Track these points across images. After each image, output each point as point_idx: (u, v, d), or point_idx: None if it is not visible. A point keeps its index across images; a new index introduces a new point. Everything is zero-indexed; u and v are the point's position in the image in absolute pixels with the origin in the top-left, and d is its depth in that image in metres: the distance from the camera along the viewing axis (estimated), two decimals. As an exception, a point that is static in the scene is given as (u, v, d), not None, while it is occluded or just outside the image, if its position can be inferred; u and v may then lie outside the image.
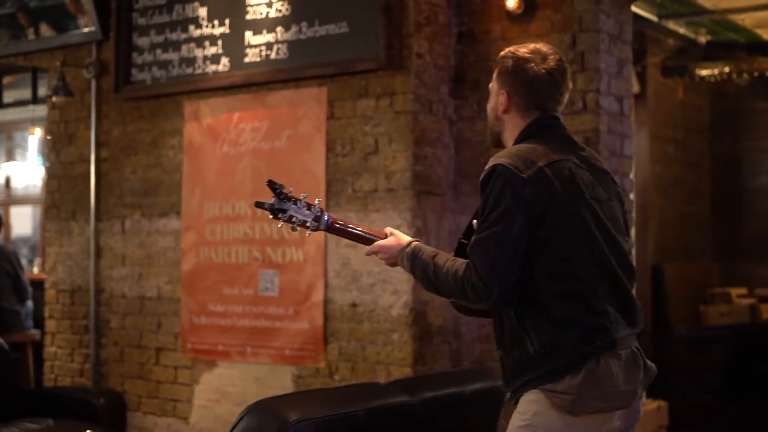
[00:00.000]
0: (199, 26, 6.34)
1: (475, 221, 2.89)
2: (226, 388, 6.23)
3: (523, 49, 2.96)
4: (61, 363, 7.06)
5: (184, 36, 6.41)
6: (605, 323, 2.72)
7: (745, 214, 9.34)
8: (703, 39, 8.77)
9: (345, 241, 5.67)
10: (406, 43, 5.57)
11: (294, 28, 5.91)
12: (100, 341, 6.85)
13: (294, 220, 2.98)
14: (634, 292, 2.86)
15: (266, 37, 6.03)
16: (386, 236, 3.07)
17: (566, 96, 3.00)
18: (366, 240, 3.10)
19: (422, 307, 5.58)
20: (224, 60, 6.22)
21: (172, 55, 6.46)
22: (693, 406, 7.06)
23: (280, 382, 5.97)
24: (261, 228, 6.06)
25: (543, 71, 2.91)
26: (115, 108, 6.80)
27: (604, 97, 5.41)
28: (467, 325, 5.78)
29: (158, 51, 6.54)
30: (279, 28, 5.98)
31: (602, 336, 2.70)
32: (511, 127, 2.96)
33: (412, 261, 2.93)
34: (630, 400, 2.76)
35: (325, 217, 3.04)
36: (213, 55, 6.27)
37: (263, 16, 6.05)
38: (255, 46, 6.08)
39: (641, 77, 8.67)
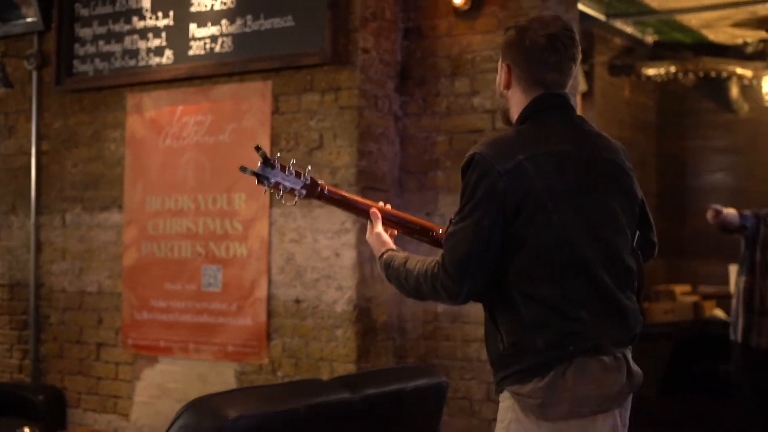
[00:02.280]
0: (142, 18, 6.25)
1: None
2: (167, 384, 6.15)
3: (525, 19, 2.76)
4: (0, 359, 6.94)
5: (127, 27, 6.32)
6: (578, 329, 2.56)
7: (690, 213, 9.41)
8: (650, 38, 8.84)
9: (289, 236, 5.69)
10: (352, 38, 5.53)
11: (239, 21, 5.85)
12: (39, 337, 6.73)
13: (281, 187, 2.84)
14: (629, 294, 2.69)
15: (211, 29, 5.96)
16: (373, 214, 2.98)
17: (573, 67, 2.74)
18: (358, 210, 3.00)
19: (366, 303, 5.56)
20: (168, 52, 6.14)
21: (115, 47, 6.36)
22: (636, 399, 7.10)
23: (223, 378, 5.90)
24: (204, 223, 5.99)
25: (542, 38, 2.68)
26: (57, 100, 6.69)
27: (549, 95, 5.40)
28: (412, 321, 5.76)
29: (101, 42, 6.44)
30: (224, 21, 5.91)
31: (575, 341, 2.55)
32: (515, 105, 2.76)
33: (386, 272, 2.87)
34: (605, 405, 2.60)
35: (316, 185, 2.89)
36: (156, 48, 6.19)
37: (208, 8, 5.97)
38: (199, 39, 6.01)
39: (589, 76, 8.72)
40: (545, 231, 2.56)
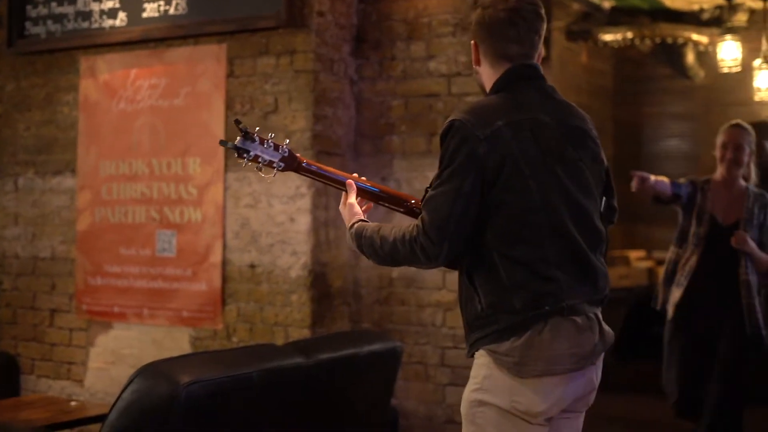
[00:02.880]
0: (95, -21, 6.16)
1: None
2: (122, 350, 6.12)
3: None
4: (-48, 325, 6.88)
5: (79, -11, 6.22)
6: (554, 289, 2.65)
7: (646, 179, 9.45)
8: (606, 4, 8.84)
9: (244, 201, 5.65)
10: (307, 1, 5.48)
11: (193, -17, 5.78)
12: (-8, 302, 6.67)
13: (260, 159, 2.87)
14: (599, 256, 2.77)
15: (165, -9, 5.89)
16: (348, 184, 2.98)
17: (537, 39, 2.79)
18: (334, 182, 3.02)
19: (321, 268, 5.55)
20: (121, 15, 6.06)
21: (67, 9, 6.26)
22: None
23: (178, 344, 5.88)
24: (159, 188, 5.94)
25: (502, 12, 2.74)
26: (8, 62, 6.58)
27: (505, 60, 5.39)
28: (367, 287, 5.76)
29: (53, 4, 6.33)
30: (178, -17, 5.84)
31: (550, 302, 2.63)
32: (487, 79, 2.83)
33: (357, 241, 2.88)
34: (579, 364, 2.69)
35: (293, 157, 2.94)
36: (110, 10, 6.10)
37: (162, -30, 5.90)
38: (153, 1, 5.93)
39: (546, 41, 8.67)
40: (523, 195, 2.64)
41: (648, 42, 8.92)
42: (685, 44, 9.06)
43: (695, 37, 8.98)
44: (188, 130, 5.84)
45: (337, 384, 4.12)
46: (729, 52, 8.68)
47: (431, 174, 5.57)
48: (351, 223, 2.94)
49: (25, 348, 6.51)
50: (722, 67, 8.78)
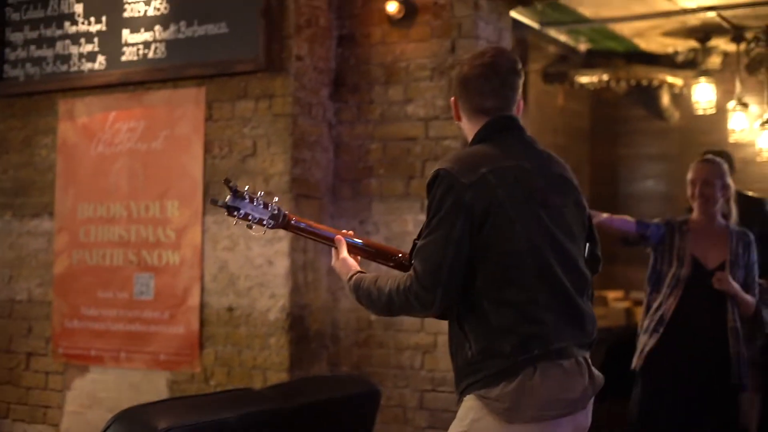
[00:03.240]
0: (74, 23, 6.18)
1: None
2: (98, 394, 6.08)
3: (468, 55, 2.96)
4: (-73, 368, 6.81)
5: (59, 32, 6.24)
6: (542, 332, 2.68)
7: (622, 220, 9.49)
8: (582, 47, 8.93)
9: (222, 244, 5.65)
10: (286, 45, 5.52)
11: (172, 27, 5.81)
12: (-33, 346, 6.61)
13: (250, 217, 2.92)
14: (585, 300, 2.81)
15: (144, 35, 5.91)
16: (338, 240, 3.06)
17: (512, 94, 2.87)
18: (323, 238, 3.11)
19: (300, 311, 5.54)
20: (100, 58, 6.08)
21: (46, 52, 6.28)
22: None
23: (155, 387, 5.85)
24: (137, 230, 5.93)
25: (477, 68, 2.84)
26: (-13, 105, 6.59)
27: (482, 103, 5.43)
28: (345, 329, 5.75)
29: (32, 47, 6.35)
30: (157, 27, 5.87)
31: (539, 345, 2.66)
32: (468, 133, 2.92)
33: (356, 294, 2.93)
34: (569, 408, 2.72)
35: (283, 215, 2.98)
36: (89, 53, 6.12)
37: (141, 14, 5.93)
38: (132, 45, 5.96)
39: (523, 84, 8.75)
40: (509, 238, 2.69)
41: (623, 84, 8.99)
42: (660, 86, 9.14)
43: (670, 79, 9.06)
44: (167, 173, 5.84)
45: (315, 428, 4.11)
46: (703, 95, 8.75)
47: (409, 217, 5.63)
48: (348, 276, 2.98)
49: (1, 392, 6.45)
50: (697, 109, 8.85)
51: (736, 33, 8.38)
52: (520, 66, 2.90)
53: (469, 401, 2.72)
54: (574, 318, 2.76)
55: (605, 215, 4.93)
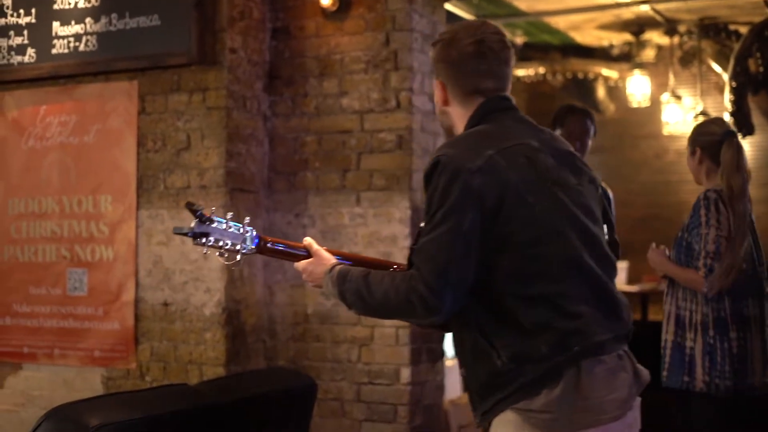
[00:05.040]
0: (3, 15, 6.06)
1: (422, 224, 2.52)
2: (32, 391, 5.99)
3: (449, 30, 2.64)
4: None
5: (-13, 25, 6.13)
6: (582, 326, 2.36)
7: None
8: (519, 40, 8.97)
9: (157, 238, 5.60)
10: (219, 38, 5.47)
11: (104, 20, 5.73)
12: None
13: (222, 244, 2.60)
14: (615, 285, 2.53)
15: (75, 28, 5.82)
16: (308, 243, 2.75)
17: (508, 71, 2.61)
18: (300, 256, 2.78)
19: (236, 305, 5.51)
20: (30, 51, 5.97)
21: (-26, 45, 6.17)
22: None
23: (90, 384, 5.78)
24: (69, 225, 5.85)
25: (469, 46, 2.55)
26: None
27: (417, 96, 5.45)
28: (282, 324, 5.73)
29: (-40, 40, 6.24)
30: (88, 19, 5.78)
31: (579, 341, 2.35)
32: (458, 119, 2.61)
33: (339, 285, 2.57)
34: (621, 410, 2.40)
35: (255, 238, 2.67)
36: (18, 46, 6.01)
37: (71, 6, 5.83)
38: (63, 38, 5.86)
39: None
40: (531, 225, 2.39)
41: (560, 77, 9.08)
42: (595, 79, 9.24)
43: (605, 72, 9.17)
44: (99, 167, 5.77)
45: (252, 423, 4.08)
46: (638, 87, 8.87)
47: (345, 210, 5.63)
48: (328, 268, 2.65)
49: (-68, 391, 6.34)
50: (631, 102, 8.96)
51: (670, 26, 8.50)
52: (508, 39, 2.64)
53: (505, 416, 2.39)
54: (610, 307, 2.45)
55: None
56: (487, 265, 2.37)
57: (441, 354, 5.76)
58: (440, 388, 5.78)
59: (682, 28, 8.56)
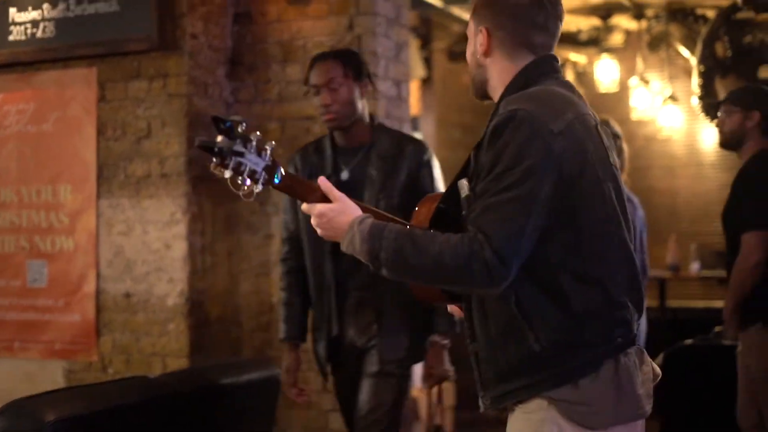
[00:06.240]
0: (-42, 1, 5.94)
1: (463, 182, 2.33)
2: (-8, 385, 5.89)
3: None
4: None
5: (-58, 11, 5.99)
6: (626, 317, 2.24)
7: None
8: (485, 25, 8.92)
9: (117, 228, 5.49)
10: (179, 24, 5.37)
11: (61, 5, 5.60)
12: None
13: (242, 168, 2.25)
14: None
15: (32, 14, 5.69)
16: (323, 180, 2.43)
17: (560, 27, 2.42)
18: (308, 189, 2.43)
19: (199, 296, 5.42)
20: (-14, 37, 5.85)
21: (-71, 32, 6.02)
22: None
23: (51, 377, 5.67)
24: (28, 216, 5.73)
25: None
26: None
27: (381, 81, 5.37)
28: (246, 313, 5.65)
29: None
30: (45, 5, 5.65)
31: (623, 332, 2.22)
32: (499, 74, 2.39)
33: (372, 241, 2.25)
34: (649, 405, 2.28)
35: (276, 167, 2.33)
36: (-26, 33, 5.89)
37: (28, -9, 5.72)
38: (20, 24, 5.73)
39: (428, 62, 8.75)
40: (600, 202, 2.23)
41: (528, 62, 9.03)
42: (563, 64, 9.20)
43: (573, 57, 9.14)
44: (58, 156, 5.66)
45: (216, 414, 4.02)
46: (606, 72, 8.84)
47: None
48: (359, 219, 2.32)
49: None
50: (600, 87, 8.93)
51: (637, 11, 8.48)
52: None
53: (537, 412, 2.22)
54: (637, 299, 2.32)
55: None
56: (548, 237, 2.18)
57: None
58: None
59: (649, 13, 8.54)
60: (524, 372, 2.22)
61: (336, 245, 2.49)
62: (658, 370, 2.38)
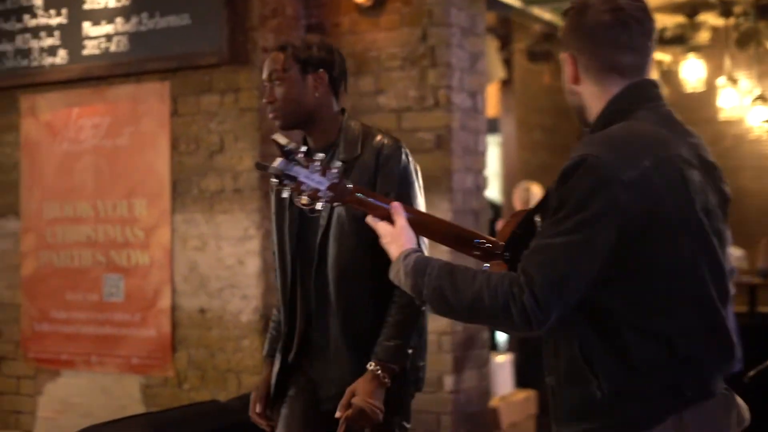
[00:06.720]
0: (34, 16, 5.95)
1: (537, 218, 2.28)
2: (71, 398, 5.91)
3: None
4: None
5: (18, 26, 6.01)
6: (696, 372, 2.14)
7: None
8: (568, 25, 8.71)
9: (192, 243, 5.46)
10: (250, 37, 5.30)
11: (134, 20, 5.59)
12: (-63, 350, 6.44)
13: (303, 188, 2.33)
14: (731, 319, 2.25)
15: (105, 28, 5.69)
16: (395, 207, 2.43)
17: (650, 45, 2.28)
18: (380, 210, 2.46)
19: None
20: (62, 52, 5.85)
21: (6, 47, 6.05)
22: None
23: (128, 391, 5.68)
24: (104, 230, 5.74)
25: (606, 14, 2.23)
26: (-52, 102, 6.37)
27: (456, 93, 5.23)
28: (321, 328, 5.57)
29: (-7, 42, 6.14)
30: (119, 19, 5.64)
31: (692, 386, 2.13)
32: (591, 99, 2.29)
33: (415, 278, 2.26)
34: None
35: (343, 185, 2.39)
36: (50, 47, 5.90)
37: (102, 5, 5.70)
38: (94, 38, 5.73)
39: (508, 63, 8.58)
40: (671, 255, 2.12)
41: (609, 60, 8.80)
42: (648, 63, 8.96)
43: (658, 56, 8.86)
44: (133, 170, 5.65)
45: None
46: (692, 71, 8.57)
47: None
48: (405, 252, 2.34)
49: (-28, 397, 6.29)
50: (686, 86, 8.66)
51: (724, 7, 8.18)
52: (649, 7, 2.31)
53: None
54: (725, 346, 2.19)
55: None
56: (607, 285, 2.10)
57: (486, 360, 5.57)
58: (486, 393, 5.60)
59: (737, 9, 8.22)
60: (586, 417, 2.18)
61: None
62: (746, 414, 2.26)
